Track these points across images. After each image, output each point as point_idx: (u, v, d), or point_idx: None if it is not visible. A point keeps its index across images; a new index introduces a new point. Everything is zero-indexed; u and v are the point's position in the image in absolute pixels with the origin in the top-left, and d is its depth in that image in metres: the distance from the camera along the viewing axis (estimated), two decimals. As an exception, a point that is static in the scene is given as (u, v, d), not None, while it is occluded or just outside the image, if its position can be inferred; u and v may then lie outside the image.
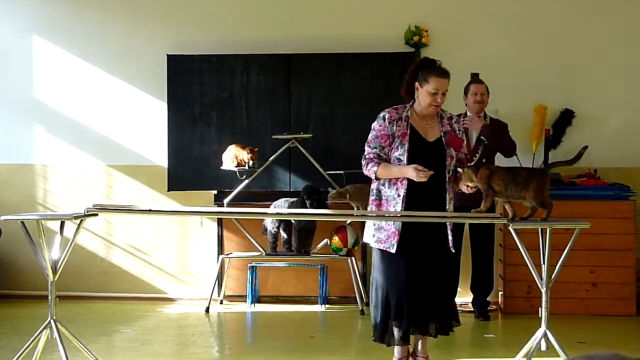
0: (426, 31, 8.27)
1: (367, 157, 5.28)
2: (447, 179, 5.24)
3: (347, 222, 7.85)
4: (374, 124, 5.32)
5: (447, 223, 5.25)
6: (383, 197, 5.26)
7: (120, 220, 8.59)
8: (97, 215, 5.60)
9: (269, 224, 7.92)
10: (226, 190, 8.08)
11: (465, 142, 5.49)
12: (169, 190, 8.35)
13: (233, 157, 7.83)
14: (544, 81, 8.22)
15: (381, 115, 5.32)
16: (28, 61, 8.72)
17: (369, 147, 5.29)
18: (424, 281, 5.20)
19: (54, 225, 6.15)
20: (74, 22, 8.68)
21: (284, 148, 7.92)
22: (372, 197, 5.32)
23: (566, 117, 8.15)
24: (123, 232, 8.65)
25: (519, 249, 5.25)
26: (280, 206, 7.66)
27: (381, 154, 5.24)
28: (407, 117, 5.27)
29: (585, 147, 5.29)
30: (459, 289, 7.14)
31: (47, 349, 5.48)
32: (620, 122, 8.22)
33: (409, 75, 5.31)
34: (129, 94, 8.61)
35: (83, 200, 8.30)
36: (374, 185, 5.31)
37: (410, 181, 5.10)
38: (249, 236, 7.99)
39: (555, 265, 5.28)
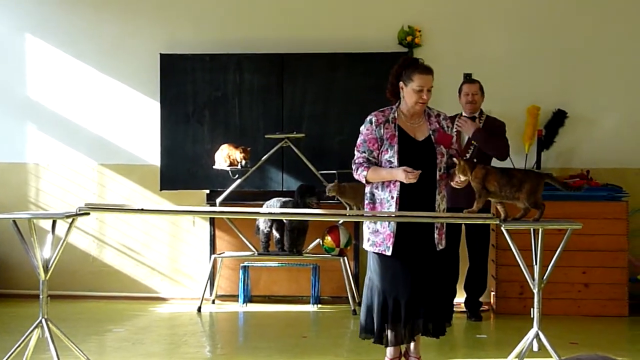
0: (419, 31, 8.27)
1: (356, 161, 5.29)
2: (438, 177, 5.24)
3: (340, 222, 7.84)
4: (362, 128, 5.33)
5: (435, 223, 5.25)
6: (377, 200, 5.27)
7: (112, 219, 8.57)
8: (89, 214, 5.59)
9: (262, 223, 7.91)
10: (219, 189, 8.07)
11: (455, 138, 5.49)
12: (161, 190, 8.34)
13: (226, 156, 7.82)
14: (537, 82, 8.23)
15: (368, 119, 5.33)
16: (21, 60, 8.69)
17: (358, 151, 5.30)
18: (420, 282, 5.22)
19: (46, 224, 6.15)
20: (67, 21, 8.66)
21: (276, 147, 7.91)
22: (366, 201, 5.33)
23: (559, 118, 8.15)
24: (115, 232, 8.63)
25: (511, 250, 5.25)
26: (273, 206, 7.65)
27: (370, 158, 5.25)
28: (395, 119, 5.28)
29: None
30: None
31: (38, 348, 5.47)
32: (613, 123, 8.23)
33: (393, 75, 5.34)
34: (121, 92, 8.59)
35: (75, 199, 8.27)
36: (367, 189, 5.32)
37: (402, 182, 5.11)
38: (241, 236, 7.98)
39: (548, 266, 5.29)
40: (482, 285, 7.57)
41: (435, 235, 5.25)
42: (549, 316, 6.69)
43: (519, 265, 5.26)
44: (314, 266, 8.13)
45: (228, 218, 8.00)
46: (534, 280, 5.28)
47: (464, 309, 7.59)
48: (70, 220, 5.38)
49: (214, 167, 7.92)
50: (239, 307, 8.09)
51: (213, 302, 8.21)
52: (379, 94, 8.00)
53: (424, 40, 8.29)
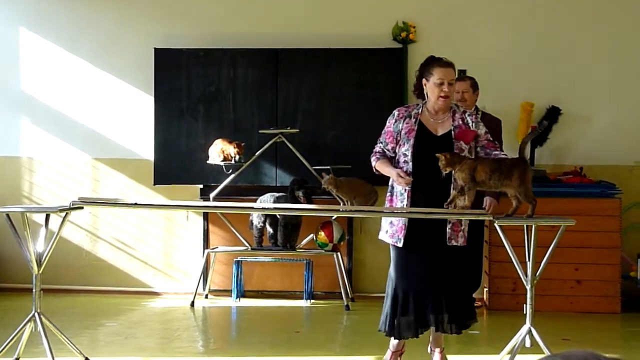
0: (414, 27, 8.28)
1: (375, 150, 5.48)
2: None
3: (333, 218, 7.85)
4: (387, 120, 5.46)
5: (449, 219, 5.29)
6: (394, 193, 5.38)
7: (106, 213, 8.56)
8: (82, 208, 5.60)
9: (255, 218, 7.91)
10: (212, 184, 8.07)
11: (480, 132, 5.40)
12: (155, 184, 8.33)
13: (219, 151, 7.81)
14: (531, 78, 8.24)
15: (393, 112, 5.47)
16: (15, 53, 8.68)
17: (379, 141, 5.48)
18: (431, 276, 5.28)
19: (39, 218, 6.13)
20: (62, 15, 8.64)
21: (270, 143, 7.91)
22: (387, 193, 5.44)
23: (552, 115, 8.16)
24: (109, 226, 8.62)
25: (504, 246, 5.26)
26: (267, 201, 7.65)
27: (386, 150, 5.41)
28: (418, 114, 5.38)
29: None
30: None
31: (31, 342, 5.47)
32: (607, 119, 8.24)
33: (417, 76, 5.47)
34: (116, 87, 8.58)
35: (69, 193, 8.26)
36: (390, 181, 5.42)
37: (415, 177, 5.21)
38: (234, 231, 7.98)
39: (541, 263, 5.30)
40: (476, 282, 7.56)
41: (448, 231, 5.28)
42: (542, 312, 6.71)
43: (512, 262, 5.27)
44: (307, 261, 8.13)
45: (221, 213, 8.00)
46: (526, 276, 5.29)
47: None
48: (63, 214, 5.38)
49: (207, 162, 7.92)
50: (232, 302, 8.09)
51: (206, 296, 8.21)
52: (373, 90, 8.11)
53: (419, 36, 8.29)
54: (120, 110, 8.58)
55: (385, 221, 5.45)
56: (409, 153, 5.28)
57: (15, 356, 5.42)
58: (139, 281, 8.60)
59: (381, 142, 5.45)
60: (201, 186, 8.28)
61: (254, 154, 7.92)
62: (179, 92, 8.31)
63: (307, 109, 8.23)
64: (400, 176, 5.17)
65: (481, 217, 5.59)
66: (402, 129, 5.34)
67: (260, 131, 7.97)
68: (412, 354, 5.71)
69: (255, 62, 8.29)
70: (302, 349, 6.20)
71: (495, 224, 5.26)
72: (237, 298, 8.12)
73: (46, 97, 8.63)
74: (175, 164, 8.28)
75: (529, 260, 5.29)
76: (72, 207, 5.36)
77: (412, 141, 5.29)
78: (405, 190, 5.25)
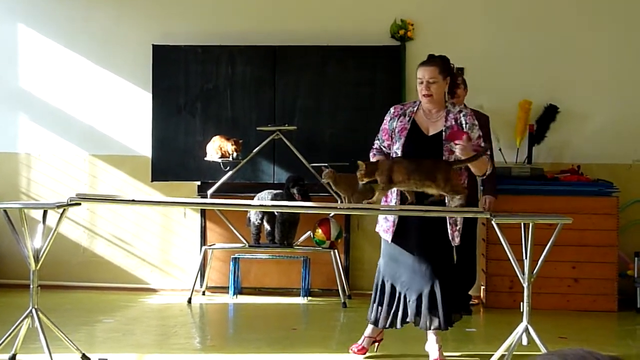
0: (412, 25, 8.28)
1: (373, 146, 5.67)
2: None
3: (331, 215, 7.85)
4: (385, 117, 5.62)
5: (447, 217, 5.37)
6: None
7: (103, 210, 8.56)
8: (80, 204, 5.59)
9: (253, 215, 7.91)
10: (210, 181, 8.07)
11: (470, 135, 5.41)
12: (152, 181, 8.33)
13: (217, 148, 7.81)
14: (528, 76, 8.24)
15: (389, 110, 5.60)
16: (13, 50, 8.67)
17: (377, 138, 5.65)
18: (418, 272, 5.38)
19: (37, 214, 6.14)
20: (60, 11, 8.63)
21: (268, 140, 7.91)
22: None
23: (550, 113, 8.16)
24: (106, 222, 8.62)
25: (501, 244, 5.27)
26: (264, 198, 7.65)
27: (382, 147, 5.59)
28: (412, 113, 5.48)
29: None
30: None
31: (28, 338, 5.47)
32: (604, 118, 8.24)
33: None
34: (113, 83, 8.58)
35: (66, 190, 8.25)
36: None
37: None
38: (232, 228, 7.98)
39: (538, 261, 5.31)
40: (472, 279, 7.58)
41: (449, 232, 5.39)
42: (539, 310, 6.73)
43: (509, 260, 5.28)
44: (305, 258, 8.14)
45: (219, 210, 8.00)
46: (523, 274, 5.30)
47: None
48: (61, 210, 5.38)
49: (205, 158, 7.92)
50: (229, 298, 8.09)
51: (203, 293, 8.22)
52: (371, 87, 8.11)
53: (416, 33, 8.29)
54: (118, 107, 8.58)
55: (381, 215, 5.61)
56: (399, 152, 5.39)
57: (13, 352, 5.41)
58: (137, 278, 8.60)
59: (378, 139, 5.60)
60: (199, 183, 8.28)
61: (251, 151, 7.91)
62: (177, 89, 8.31)
63: (305, 106, 8.23)
64: None
65: (479, 215, 5.61)
66: (396, 127, 5.45)
67: (258, 128, 7.97)
68: (410, 354, 5.72)
69: (253, 59, 8.29)
70: (299, 346, 6.20)
71: (493, 222, 5.27)
72: (234, 295, 8.13)
73: (44, 93, 8.62)
74: (173, 160, 8.27)
75: (526, 258, 5.30)
76: (69, 203, 5.36)
77: (402, 140, 5.40)
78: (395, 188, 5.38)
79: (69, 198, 5.39)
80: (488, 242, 7.65)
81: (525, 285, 5.30)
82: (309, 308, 7.82)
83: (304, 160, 7.84)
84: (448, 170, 5.20)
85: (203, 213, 8.44)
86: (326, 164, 7.62)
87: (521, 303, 5.32)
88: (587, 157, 8.12)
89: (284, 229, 7.82)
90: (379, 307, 5.54)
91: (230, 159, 7.80)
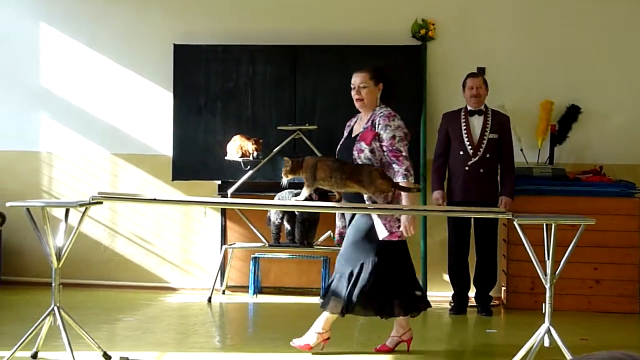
0: (433, 24, 8.25)
1: None
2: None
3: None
4: None
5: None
6: None
7: (124, 209, 8.59)
8: (101, 203, 5.61)
9: (273, 215, 7.91)
10: (230, 180, 8.08)
11: (375, 135, 5.66)
12: (173, 180, 8.34)
13: (238, 147, 7.82)
14: (550, 77, 8.20)
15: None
16: (35, 48, 8.71)
17: None
18: (355, 267, 5.67)
19: (59, 213, 6.16)
20: (82, 10, 8.67)
21: (288, 139, 7.91)
22: None
23: (572, 113, 8.11)
24: (127, 221, 8.65)
25: (522, 245, 5.25)
26: (285, 197, 7.65)
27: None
28: (358, 117, 5.95)
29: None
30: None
31: (50, 336, 5.49)
32: (627, 118, 8.19)
33: None
34: (135, 82, 8.60)
35: (88, 188, 8.28)
36: None
37: None
38: (252, 227, 7.99)
39: (560, 262, 5.28)
40: (492, 280, 7.55)
41: (383, 224, 5.63)
42: (560, 312, 6.69)
43: (531, 261, 5.26)
44: (325, 258, 8.13)
45: (239, 209, 8.01)
46: (545, 275, 5.28)
47: (475, 304, 7.57)
48: (83, 209, 5.40)
49: (225, 158, 7.92)
50: (249, 298, 8.10)
51: (223, 292, 8.23)
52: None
53: (438, 33, 8.27)
54: (139, 106, 8.61)
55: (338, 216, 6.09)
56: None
57: (35, 350, 5.44)
58: (157, 276, 8.62)
59: None
60: (219, 182, 8.29)
61: (272, 151, 7.92)
62: (198, 88, 8.32)
63: (325, 106, 8.22)
64: None
65: (500, 216, 5.58)
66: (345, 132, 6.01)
67: (279, 128, 7.98)
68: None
69: (273, 58, 8.29)
70: (319, 345, 6.19)
71: (515, 222, 5.24)
72: (254, 294, 8.13)
73: (65, 92, 8.66)
74: (193, 159, 8.28)
75: (548, 259, 5.27)
76: (91, 202, 5.38)
77: (340, 141, 5.90)
78: None
79: (90, 197, 5.40)
80: (509, 243, 7.62)
81: (547, 286, 5.28)
82: (328, 308, 7.79)
83: (324, 160, 7.82)
84: (372, 171, 5.37)
85: (223, 212, 8.45)
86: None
87: (543, 304, 5.29)
88: (609, 158, 8.07)
89: (304, 229, 7.82)
90: (332, 297, 5.80)
91: (251, 158, 7.80)
